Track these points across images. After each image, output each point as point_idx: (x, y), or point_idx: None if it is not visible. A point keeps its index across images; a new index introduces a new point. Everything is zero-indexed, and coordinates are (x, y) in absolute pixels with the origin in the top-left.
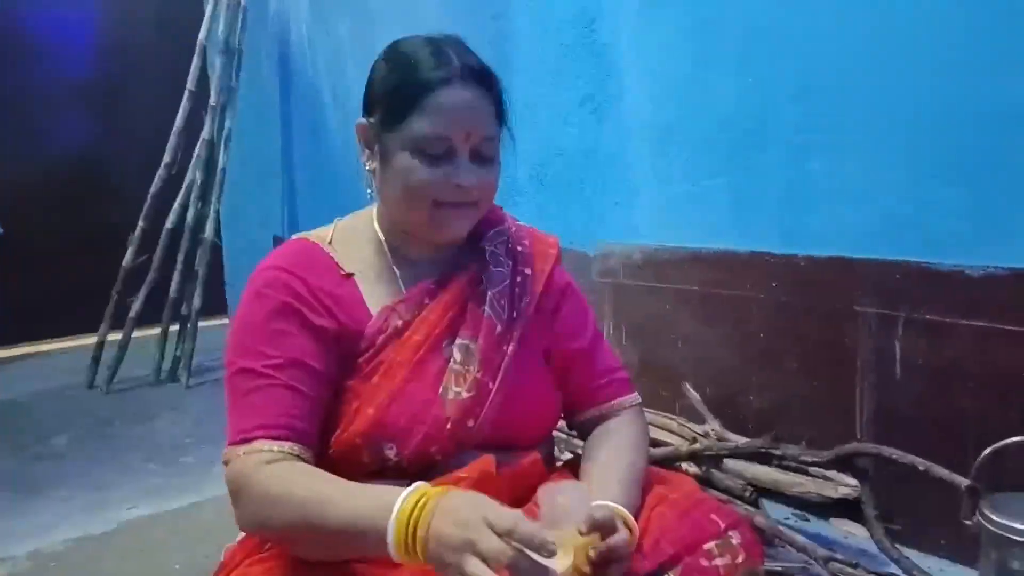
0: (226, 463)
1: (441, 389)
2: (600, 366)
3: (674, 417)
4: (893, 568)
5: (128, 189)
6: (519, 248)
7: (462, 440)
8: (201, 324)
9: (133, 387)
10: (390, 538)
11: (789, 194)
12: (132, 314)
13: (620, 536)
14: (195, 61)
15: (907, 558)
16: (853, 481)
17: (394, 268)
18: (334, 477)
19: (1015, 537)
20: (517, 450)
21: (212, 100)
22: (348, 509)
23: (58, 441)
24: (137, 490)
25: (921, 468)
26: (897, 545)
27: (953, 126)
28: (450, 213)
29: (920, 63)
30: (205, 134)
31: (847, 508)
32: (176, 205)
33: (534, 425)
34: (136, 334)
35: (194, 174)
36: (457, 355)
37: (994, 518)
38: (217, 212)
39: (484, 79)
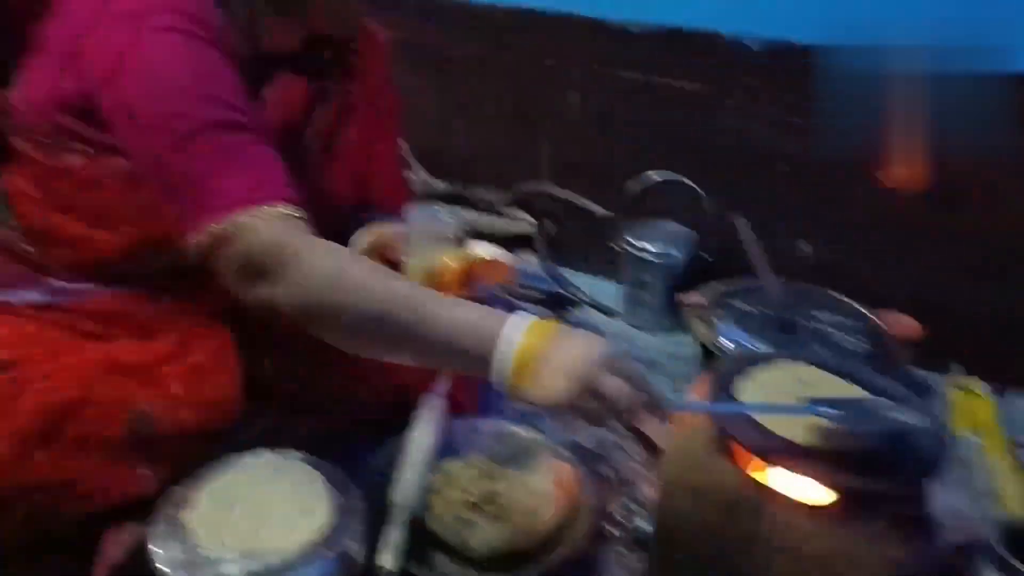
0: (228, 234)
1: None
2: None
3: None
4: (557, 288)
5: None
6: (352, 60)
7: None
8: None
9: None
10: (508, 363)
11: None
12: None
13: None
14: None
15: (564, 276)
16: (532, 219)
17: None
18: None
19: (645, 256)
20: None
21: None
22: (452, 320)
23: None
24: None
25: (574, 203)
26: (561, 268)
27: None
28: None
29: None
30: None
31: (529, 242)
32: None
33: None
34: None
35: None
36: None
37: (632, 241)
38: None
39: None
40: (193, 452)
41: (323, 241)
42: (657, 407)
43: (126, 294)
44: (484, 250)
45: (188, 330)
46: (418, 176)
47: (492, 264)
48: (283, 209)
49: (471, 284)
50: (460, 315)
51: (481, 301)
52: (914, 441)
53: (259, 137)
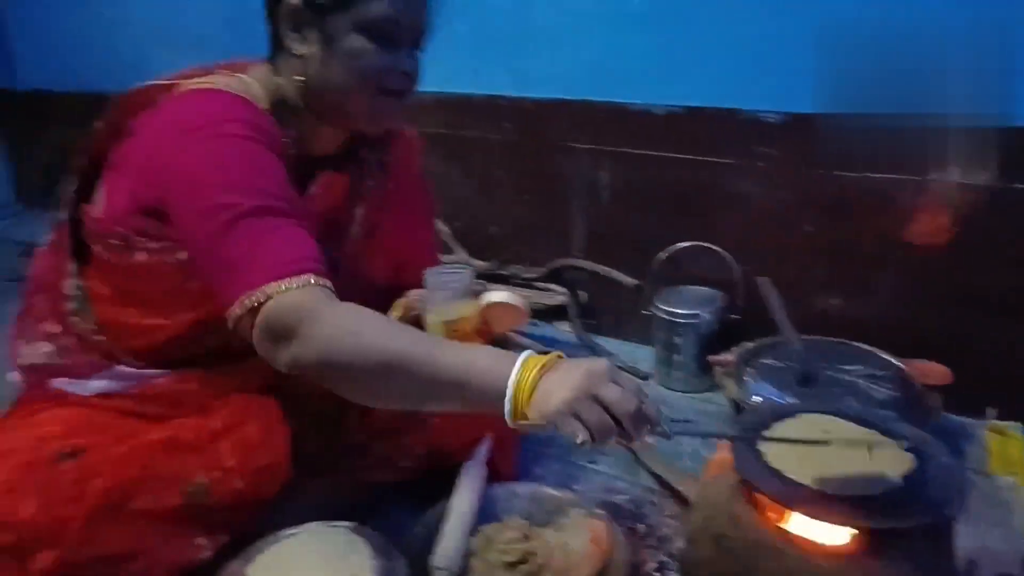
0: (259, 304)
1: None
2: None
3: None
4: (591, 355)
5: None
6: (387, 159)
7: None
8: None
9: None
10: (512, 380)
11: (517, 41)
12: None
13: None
14: None
15: (598, 344)
16: (566, 290)
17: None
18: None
19: (675, 320)
20: None
21: None
22: (460, 358)
23: None
24: None
25: (602, 274)
26: (595, 336)
27: None
28: (391, 102)
29: None
30: None
31: (564, 313)
32: None
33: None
34: None
35: None
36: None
37: (661, 307)
38: None
39: None
40: (245, 520)
41: (342, 303)
42: (653, 420)
43: (183, 375)
44: (497, 296)
45: (240, 405)
46: (459, 257)
47: (504, 307)
48: (309, 279)
49: (487, 329)
50: (471, 358)
51: (503, 344)
52: (931, 481)
53: (297, 221)
